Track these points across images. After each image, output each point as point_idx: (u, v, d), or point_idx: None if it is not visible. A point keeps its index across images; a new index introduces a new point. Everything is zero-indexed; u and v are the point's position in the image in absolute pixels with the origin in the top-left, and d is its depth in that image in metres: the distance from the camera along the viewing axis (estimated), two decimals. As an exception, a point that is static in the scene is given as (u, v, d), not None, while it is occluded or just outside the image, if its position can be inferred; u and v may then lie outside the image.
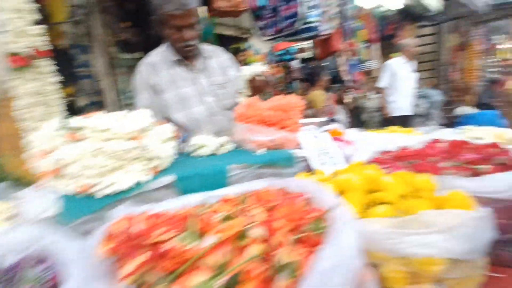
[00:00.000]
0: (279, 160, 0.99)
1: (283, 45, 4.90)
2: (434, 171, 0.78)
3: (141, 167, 0.74)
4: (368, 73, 5.43)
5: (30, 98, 1.14)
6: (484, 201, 0.66)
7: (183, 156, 1.09)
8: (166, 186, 0.79)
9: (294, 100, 1.16)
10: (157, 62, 1.36)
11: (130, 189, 0.72)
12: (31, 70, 1.15)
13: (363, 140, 1.42)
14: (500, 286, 0.67)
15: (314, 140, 1.15)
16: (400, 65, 4.05)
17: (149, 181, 0.76)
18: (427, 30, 7.00)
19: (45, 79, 1.19)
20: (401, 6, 5.12)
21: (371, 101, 5.19)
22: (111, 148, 0.68)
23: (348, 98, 5.06)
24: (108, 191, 0.67)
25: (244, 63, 5.70)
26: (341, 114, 4.80)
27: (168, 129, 0.87)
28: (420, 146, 1.12)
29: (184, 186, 0.81)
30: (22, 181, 1.08)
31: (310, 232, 0.41)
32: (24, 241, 0.50)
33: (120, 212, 0.57)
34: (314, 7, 3.33)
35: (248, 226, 0.42)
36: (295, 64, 5.92)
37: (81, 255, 0.40)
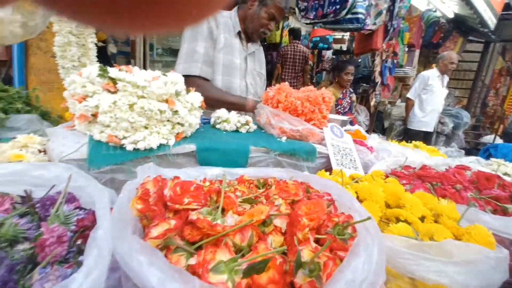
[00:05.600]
0: (301, 152, 0.98)
1: (320, 31, 4.67)
2: (458, 199, 0.76)
3: (167, 131, 0.75)
4: (402, 79, 5.19)
5: (68, 36, 1.15)
6: (505, 241, 0.64)
7: (205, 127, 1.09)
8: (187, 154, 0.80)
9: (326, 94, 1.12)
10: (222, 23, 1.38)
11: (155, 150, 0.73)
12: (73, 9, 1.12)
13: (384, 149, 1.39)
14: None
15: (337, 139, 1.13)
16: (433, 78, 3.85)
17: (173, 145, 0.77)
18: (474, 47, 6.53)
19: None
20: (453, 15, 4.76)
21: (397, 109, 5.01)
22: (144, 106, 0.68)
23: (373, 101, 4.88)
24: (136, 146, 0.68)
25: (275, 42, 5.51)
26: (362, 116, 4.67)
27: (198, 98, 0.87)
28: (442, 169, 1.09)
29: (203, 157, 0.82)
30: (49, 117, 1.11)
31: (332, 235, 0.41)
32: (52, 178, 0.53)
33: (146, 170, 0.59)
34: (364, -2, 3.12)
35: (273, 215, 0.42)
36: (328, 54, 5.69)
37: (109, 205, 0.41)
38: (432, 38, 4.86)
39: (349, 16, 3.17)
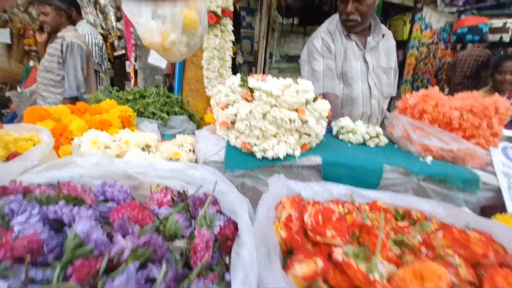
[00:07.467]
0: (456, 179, 0.75)
1: (470, 20, 3.67)
2: None
3: (294, 140, 0.72)
4: None
5: (213, 51, 1.36)
6: None
7: (327, 136, 1.01)
8: (312, 167, 0.75)
9: (500, 104, 0.82)
10: (335, 31, 1.32)
11: (281, 159, 0.72)
12: (217, 28, 1.34)
13: None
14: None
15: (515, 166, 0.80)
16: None
17: (298, 156, 0.73)
18: None
19: (225, 36, 1.38)
20: None
21: None
22: (276, 115, 0.68)
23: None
24: (265, 154, 0.69)
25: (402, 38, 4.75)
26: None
27: (326, 107, 0.80)
28: None
29: (328, 172, 0.75)
30: (194, 118, 1.33)
31: None
32: (200, 179, 0.59)
33: (276, 181, 0.57)
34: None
35: (456, 283, 0.30)
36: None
37: (249, 220, 0.41)
38: None
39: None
